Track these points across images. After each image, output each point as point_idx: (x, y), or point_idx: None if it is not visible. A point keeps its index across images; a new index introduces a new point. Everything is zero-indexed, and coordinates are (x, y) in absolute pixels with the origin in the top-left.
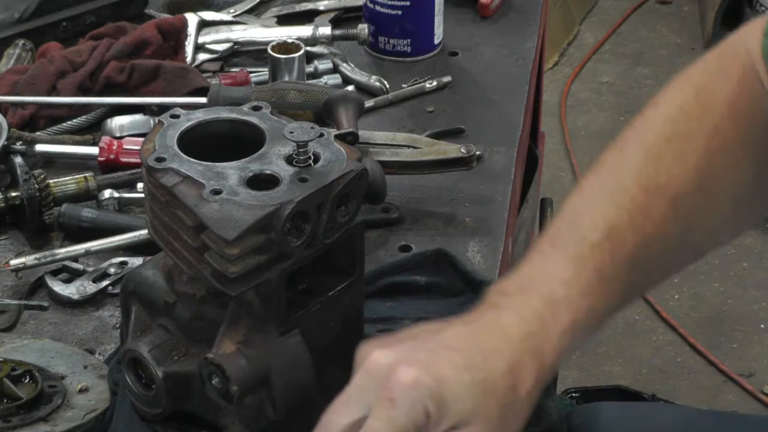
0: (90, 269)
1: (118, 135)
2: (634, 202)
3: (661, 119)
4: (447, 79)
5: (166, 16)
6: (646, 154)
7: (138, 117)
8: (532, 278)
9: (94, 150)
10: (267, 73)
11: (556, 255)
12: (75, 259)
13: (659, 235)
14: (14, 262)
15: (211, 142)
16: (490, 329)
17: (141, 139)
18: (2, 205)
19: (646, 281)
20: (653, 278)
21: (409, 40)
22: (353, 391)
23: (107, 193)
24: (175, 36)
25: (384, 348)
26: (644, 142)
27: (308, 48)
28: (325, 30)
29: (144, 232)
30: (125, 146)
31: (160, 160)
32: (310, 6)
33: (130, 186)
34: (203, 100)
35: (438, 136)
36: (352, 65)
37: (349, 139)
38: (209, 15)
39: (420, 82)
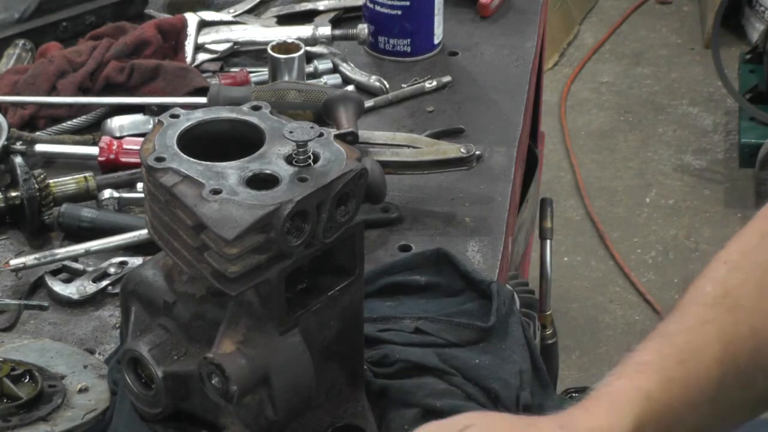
0: (90, 269)
1: (118, 135)
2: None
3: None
4: (447, 79)
5: (166, 16)
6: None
7: (138, 117)
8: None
9: (94, 150)
10: (267, 73)
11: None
12: (75, 259)
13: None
14: (14, 262)
15: (211, 142)
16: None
17: (141, 139)
18: (2, 205)
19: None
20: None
21: (409, 40)
22: None
23: (107, 193)
24: (175, 36)
25: None
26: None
27: (308, 48)
28: (325, 30)
29: (144, 232)
30: (125, 146)
31: (159, 159)
32: (310, 6)
33: (130, 186)
34: (203, 100)
35: (438, 136)
36: (352, 65)
37: (349, 138)
38: (209, 15)
39: (420, 82)
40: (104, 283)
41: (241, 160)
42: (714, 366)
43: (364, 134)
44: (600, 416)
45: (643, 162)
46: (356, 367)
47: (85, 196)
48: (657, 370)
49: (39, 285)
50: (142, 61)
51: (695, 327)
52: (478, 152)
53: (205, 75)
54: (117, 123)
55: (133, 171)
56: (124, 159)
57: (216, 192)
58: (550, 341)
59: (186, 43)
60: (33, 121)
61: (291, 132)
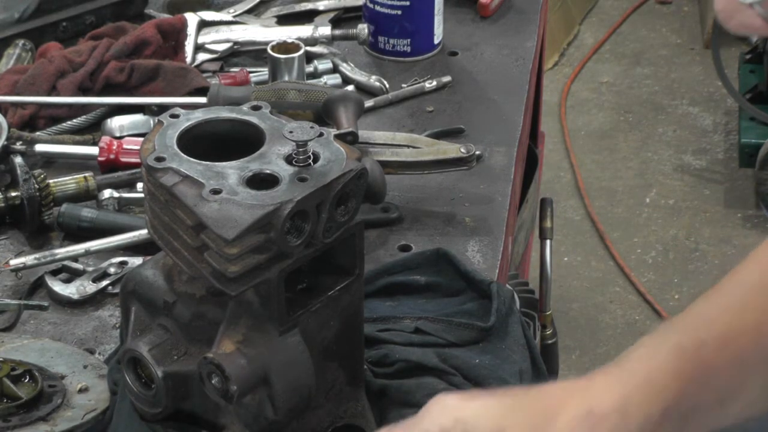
0: (90, 269)
1: (118, 135)
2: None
3: None
4: (447, 79)
5: (166, 16)
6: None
7: (138, 117)
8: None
9: (94, 150)
10: (267, 73)
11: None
12: (75, 259)
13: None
14: (14, 262)
15: (211, 142)
16: (553, 384)
17: (141, 139)
18: (2, 205)
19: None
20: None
21: (408, 40)
22: (405, 422)
23: (107, 193)
24: (175, 36)
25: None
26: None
27: (308, 48)
28: (325, 30)
29: (144, 232)
30: (125, 146)
31: (159, 159)
32: (310, 6)
33: (130, 186)
34: (203, 100)
35: (438, 136)
36: (352, 65)
37: (349, 138)
38: (209, 15)
39: (420, 82)
40: (104, 283)
41: (241, 160)
42: (748, 354)
43: (364, 134)
44: (631, 400)
45: (643, 162)
46: (356, 367)
47: (85, 196)
48: (694, 354)
49: (39, 285)
50: (142, 61)
51: (737, 313)
52: (478, 152)
53: (205, 75)
54: (117, 123)
55: (133, 171)
56: (124, 159)
57: (216, 192)
58: (550, 341)
59: (186, 43)
60: (33, 121)
61: (291, 132)
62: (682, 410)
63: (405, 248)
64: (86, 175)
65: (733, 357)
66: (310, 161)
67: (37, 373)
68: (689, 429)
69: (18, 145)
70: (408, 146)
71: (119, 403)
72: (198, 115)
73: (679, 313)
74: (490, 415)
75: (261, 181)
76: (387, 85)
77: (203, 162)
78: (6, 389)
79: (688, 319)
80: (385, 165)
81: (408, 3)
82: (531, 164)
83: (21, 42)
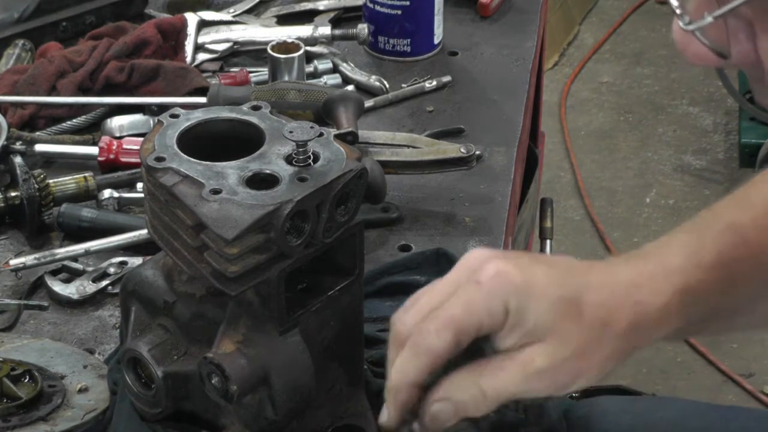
0: (90, 269)
1: (118, 135)
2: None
3: None
4: (447, 79)
5: (166, 16)
6: None
7: (138, 117)
8: (656, 247)
9: (93, 150)
10: (267, 73)
11: (682, 233)
12: (75, 259)
13: None
14: (14, 262)
15: (211, 142)
16: (598, 267)
17: (141, 139)
18: (2, 205)
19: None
20: None
21: (408, 39)
22: (445, 278)
23: (107, 192)
24: (175, 36)
25: (486, 250)
26: None
27: (308, 48)
28: (325, 30)
29: (144, 232)
30: (125, 146)
31: (159, 159)
32: (310, 6)
33: (130, 186)
34: (203, 99)
35: (438, 136)
36: (351, 65)
37: (349, 138)
38: (209, 15)
39: (420, 82)
40: (104, 283)
41: (241, 159)
42: None
43: (364, 134)
44: (671, 309)
45: (643, 162)
46: (356, 367)
47: (85, 196)
48: (721, 265)
49: (39, 285)
50: (142, 61)
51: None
52: (478, 152)
53: (205, 75)
54: (117, 123)
55: (133, 171)
56: (124, 159)
57: (216, 192)
58: None
59: (186, 43)
60: (33, 121)
61: (291, 132)
62: (704, 317)
63: (405, 248)
64: (86, 175)
65: (759, 268)
66: (310, 161)
67: (37, 373)
68: (699, 332)
69: (18, 145)
70: (408, 146)
71: (119, 403)
72: (198, 115)
73: (708, 217)
74: (552, 309)
75: (261, 181)
76: (387, 85)
77: (203, 162)
78: (6, 389)
79: (717, 230)
80: (385, 165)
81: (408, 3)
82: (531, 164)
83: (21, 42)
